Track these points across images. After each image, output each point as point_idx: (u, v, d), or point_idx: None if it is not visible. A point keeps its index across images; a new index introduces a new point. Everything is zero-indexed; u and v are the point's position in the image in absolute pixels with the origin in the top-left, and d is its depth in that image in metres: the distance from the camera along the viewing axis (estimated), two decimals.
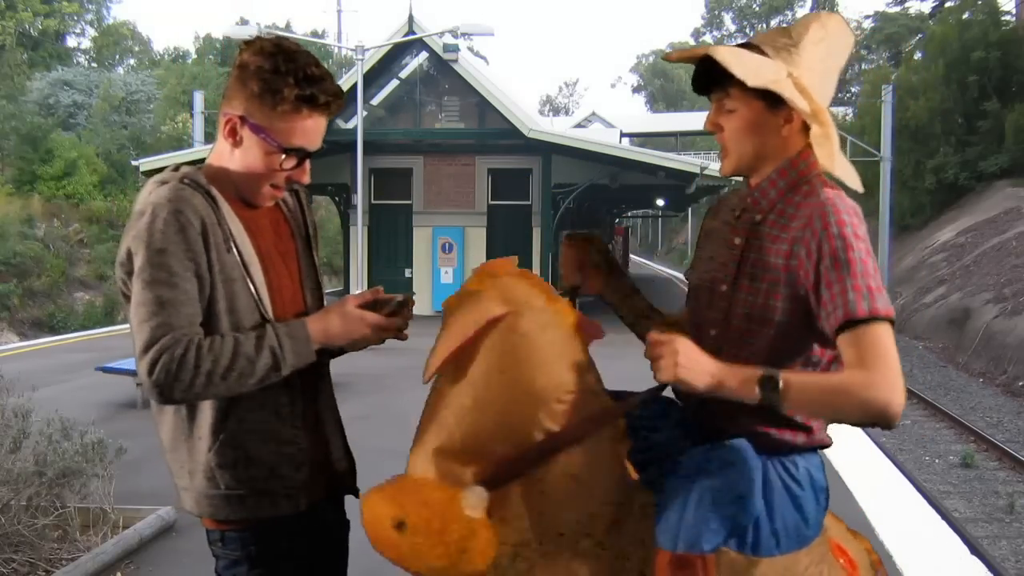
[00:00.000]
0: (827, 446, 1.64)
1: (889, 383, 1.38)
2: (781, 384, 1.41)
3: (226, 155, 1.66)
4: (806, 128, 1.58)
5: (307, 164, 1.68)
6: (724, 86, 1.59)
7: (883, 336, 1.41)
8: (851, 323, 1.42)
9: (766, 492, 1.56)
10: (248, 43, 1.61)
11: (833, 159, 1.55)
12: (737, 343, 1.59)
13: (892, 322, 1.44)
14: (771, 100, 1.56)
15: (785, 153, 1.61)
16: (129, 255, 1.57)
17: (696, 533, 1.48)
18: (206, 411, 1.61)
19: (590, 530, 1.54)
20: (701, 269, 1.73)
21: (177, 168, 1.67)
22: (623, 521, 1.56)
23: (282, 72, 1.57)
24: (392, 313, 1.68)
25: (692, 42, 69.78)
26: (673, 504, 1.52)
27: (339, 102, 1.64)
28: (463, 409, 1.48)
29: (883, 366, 1.39)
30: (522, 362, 1.48)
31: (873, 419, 1.39)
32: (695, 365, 1.44)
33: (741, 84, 1.53)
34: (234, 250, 1.61)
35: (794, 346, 1.55)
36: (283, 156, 1.63)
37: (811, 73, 1.57)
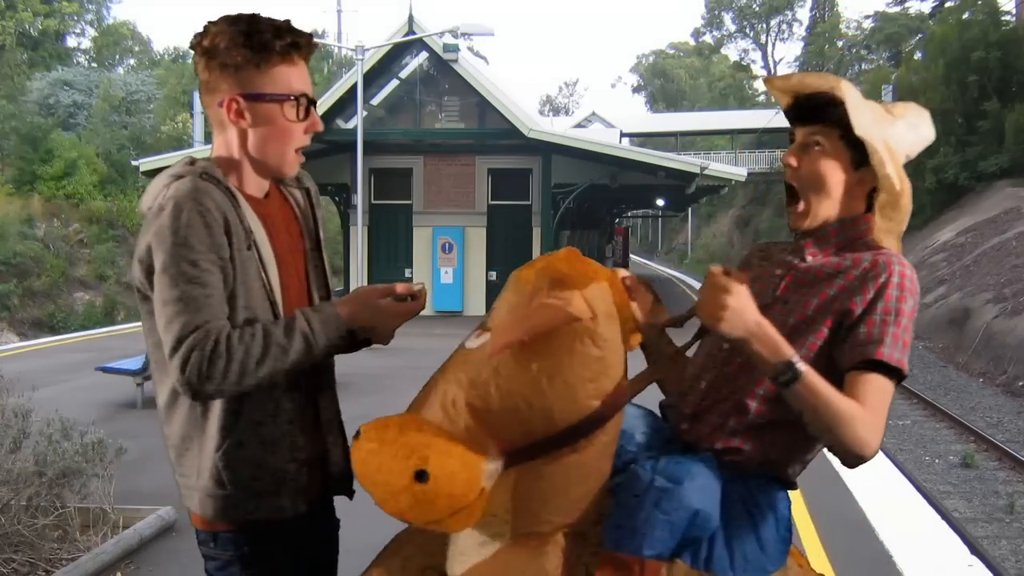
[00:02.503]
0: (793, 488, 1.66)
1: (878, 430, 1.46)
2: (801, 375, 1.43)
3: (235, 143, 1.63)
4: (869, 196, 1.62)
5: (315, 113, 1.68)
6: (822, 123, 1.59)
7: (889, 390, 1.49)
8: (874, 364, 1.47)
9: (725, 509, 1.55)
10: (201, 33, 1.60)
11: (897, 242, 1.61)
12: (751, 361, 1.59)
13: (902, 380, 1.51)
14: (858, 157, 1.58)
15: (848, 210, 1.63)
16: (149, 251, 1.53)
17: (640, 537, 1.48)
18: (217, 409, 1.59)
19: (564, 528, 1.53)
20: None
21: (193, 162, 1.63)
22: (594, 524, 1.56)
23: (256, 33, 1.57)
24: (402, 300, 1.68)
25: (692, 42, 69.79)
26: (624, 505, 1.52)
27: (314, 44, 1.66)
28: (512, 392, 1.45)
29: (879, 414, 1.47)
30: (590, 375, 1.46)
31: (849, 452, 1.46)
32: (736, 320, 1.45)
33: (840, 127, 1.55)
34: (254, 248, 1.60)
35: (816, 365, 1.54)
36: (297, 104, 1.62)
37: (898, 154, 1.60)
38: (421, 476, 1.38)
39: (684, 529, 1.50)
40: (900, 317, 1.50)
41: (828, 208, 1.62)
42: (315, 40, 1.67)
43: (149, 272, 1.54)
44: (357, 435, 1.44)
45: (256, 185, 1.68)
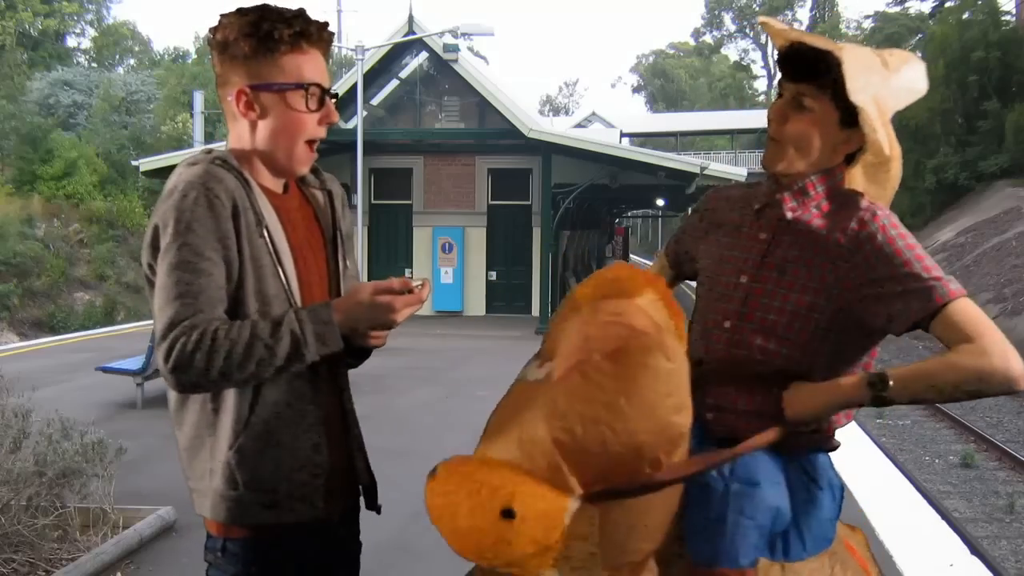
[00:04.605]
0: (836, 448, 1.64)
1: (999, 345, 1.38)
2: (891, 382, 1.43)
3: (246, 135, 1.60)
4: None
5: (331, 104, 1.63)
6: (815, 82, 1.55)
7: (970, 308, 1.43)
8: (933, 314, 1.43)
9: (790, 494, 1.54)
10: (215, 27, 1.58)
11: (887, 203, 1.58)
12: (763, 336, 1.57)
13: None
14: (846, 117, 1.54)
15: (826, 164, 1.60)
16: (156, 232, 1.50)
17: (735, 549, 1.46)
18: (230, 406, 1.54)
19: (653, 553, 1.50)
20: (715, 260, 1.70)
21: (210, 151, 1.61)
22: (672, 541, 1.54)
23: (265, 23, 1.54)
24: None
25: (692, 42, 69.77)
26: (708, 520, 1.49)
27: (330, 33, 1.62)
28: (594, 418, 1.38)
29: (986, 332, 1.40)
30: (666, 389, 1.40)
31: (994, 385, 1.38)
32: (796, 403, 1.51)
33: (831, 87, 1.51)
34: (265, 235, 1.55)
35: (833, 341, 1.55)
36: (307, 92, 1.58)
37: (889, 110, 1.56)
38: (508, 514, 1.33)
39: (770, 529, 1.49)
40: (914, 251, 1.47)
41: (807, 164, 1.59)
42: (328, 28, 1.62)
43: (155, 254, 1.51)
44: (433, 473, 1.38)
45: (272, 178, 1.64)
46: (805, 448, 1.58)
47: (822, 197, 1.60)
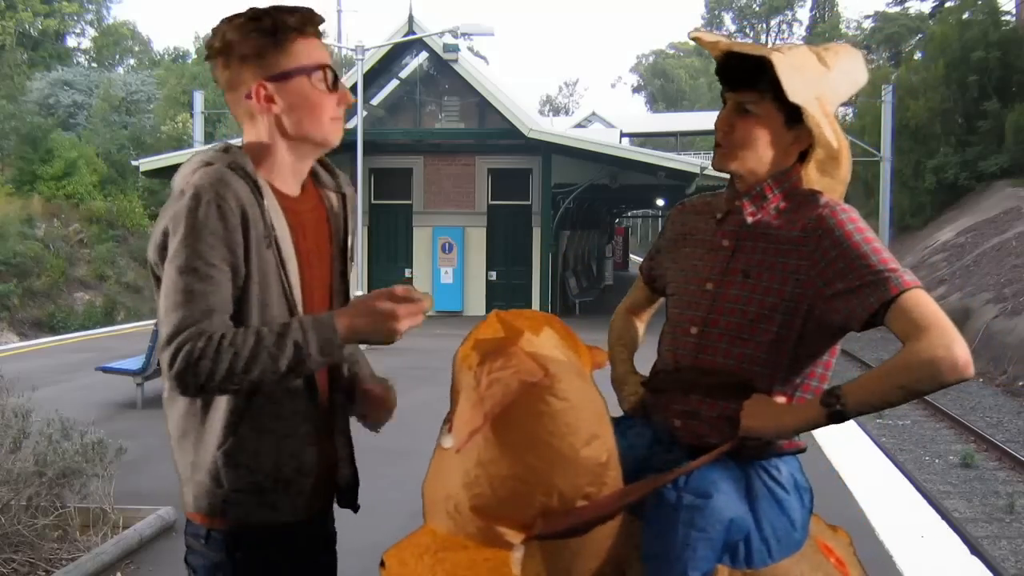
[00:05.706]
0: (803, 450, 1.65)
1: (944, 337, 1.39)
2: (843, 394, 1.43)
3: (266, 132, 1.60)
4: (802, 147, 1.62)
5: (344, 85, 1.65)
6: (754, 88, 1.57)
7: (922, 299, 1.44)
8: (887, 304, 1.44)
9: (751, 501, 1.54)
10: (211, 37, 1.59)
11: (840, 198, 1.59)
12: (728, 339, 1.59)
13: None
14: (791, 117, 1.56)
15: (780, 165, 1.63)
16: (165, 234, 1.50)
17: (682, 562, 1.46)
18: (221, 406, 1.55)
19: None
20: (682, 270, 1.73)
21: (227, 149, 1.60)
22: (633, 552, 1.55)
23: (266, 17, 1.56)
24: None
25: (691, 43, 69.75)
26: (661, 533, 1.50)
27: (320, 18, 1.63)
28: (505, 478, 1.40)
29: (932, 324, 1.40)
30: (566, 429, 1.40)
31: (945, 376, 1.39)
32: (753, 414, 1.52)
33: (772, 90, 1.53)
34: (274, 246, 1.56)
35: (795, 341, 1.56)
36: (322, 74, 1.59)
37: (831, 105, 1.58)
38: None
39: (723, 541, 1.48)
40: (868, 258, 1.48)
41: (759, 165, 1.62)
42: (318, 15, 1.63)
43: (163, 255, 1.51)
44: (382, 564, 1.42)
45: (292, 177, 1.64)
46: (769, 452, 1.59)
47: (780, 198, 1.62)
